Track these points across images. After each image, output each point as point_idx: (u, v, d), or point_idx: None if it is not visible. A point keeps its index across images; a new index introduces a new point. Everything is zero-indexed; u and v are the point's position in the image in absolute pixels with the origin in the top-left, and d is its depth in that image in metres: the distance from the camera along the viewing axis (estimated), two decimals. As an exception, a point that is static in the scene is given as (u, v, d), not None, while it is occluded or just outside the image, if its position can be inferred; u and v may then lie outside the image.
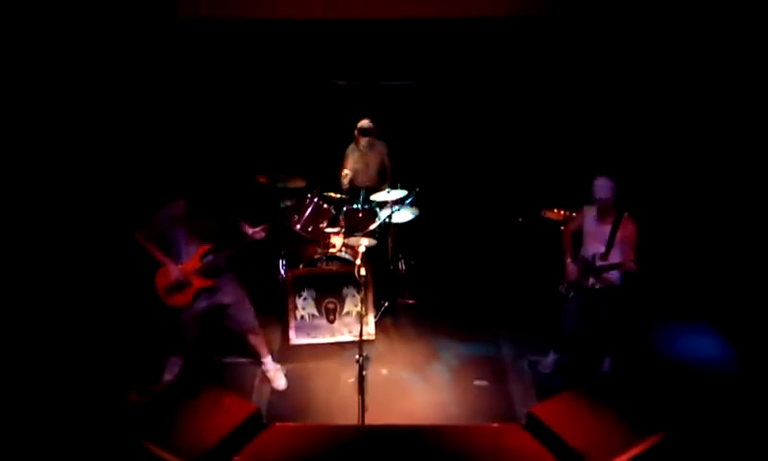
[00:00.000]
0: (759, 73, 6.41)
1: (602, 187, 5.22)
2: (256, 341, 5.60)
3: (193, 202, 5.07)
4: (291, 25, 7.63)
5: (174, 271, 5.12)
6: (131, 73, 7.38)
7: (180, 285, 5.16)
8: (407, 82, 7.94)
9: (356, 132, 6.75)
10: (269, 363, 5.66)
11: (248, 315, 5.44)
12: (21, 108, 6.64)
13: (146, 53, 7.40)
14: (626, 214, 5.25)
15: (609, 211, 5.26)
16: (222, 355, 5.86)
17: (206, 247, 5.18)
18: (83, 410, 5.05)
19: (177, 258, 5.16)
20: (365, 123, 6.74)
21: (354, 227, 6.45)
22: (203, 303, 5.26)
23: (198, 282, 5.19)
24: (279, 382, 5.60)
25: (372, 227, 6.44)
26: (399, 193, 6.53)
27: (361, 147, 6.81)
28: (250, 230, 5.37)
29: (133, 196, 7.16)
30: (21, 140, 6.68)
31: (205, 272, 5.20)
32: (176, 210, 5.09)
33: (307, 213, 6.38)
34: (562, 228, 5.69)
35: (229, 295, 5.32)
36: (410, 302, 6.70)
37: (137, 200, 7.17)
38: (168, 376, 5.45)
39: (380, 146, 6.92)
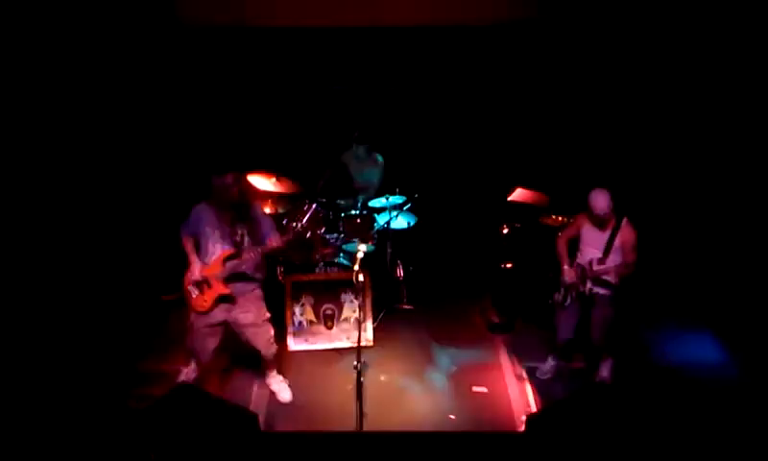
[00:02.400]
0: (758, 75, 6.42)
1: (599, 201, 5.13)
2: (268, 361, 5.48)
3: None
4: (289, 31, 7.64)
5: (195, 269, 5.04)
6: (130, 79, 7.37)
7: (200, 287, 5.06)
8: (404, 87, 7.94)
9: (354, 139, 6.77)
10: (274, 376, 5.57)
11: (264, 341, 5.27)
12: (23, 106, 6.62)
13: (144, 60, 7.40)
14: (626, 220, 5.23)
15: (607, 220, 5.22)
16: (220, 362, 5.83)
17: (230, 251, 5.02)
18: (82, 416, 5.04)
19: (203, 258, 5.08)
20: (363, 131, 6.75)
21: (352, 232, 6.44)
22: (221, 316, 5.12)
23: (217, 287, 5.03)
24: (284, 395, 5.52)
25: (371, 232, 6.44)
26: (398, 199, 6.53)
27: (358, 154, 6.83)
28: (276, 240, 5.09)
29: (135, 198, 7.18)
30: (24, 141, 6.66)
31: (227, 278, 5.04)
32: (221, 187, 4.88)
33: (305, 219, 6.38)
34: (559, 234, 5.68)
35: (250, 315, 5.15)
36: (408, 307, 6.69)
37: (139, 202, 7.19)
38: (183, 378, 5.47)
39: (376, 154, 6.93)
